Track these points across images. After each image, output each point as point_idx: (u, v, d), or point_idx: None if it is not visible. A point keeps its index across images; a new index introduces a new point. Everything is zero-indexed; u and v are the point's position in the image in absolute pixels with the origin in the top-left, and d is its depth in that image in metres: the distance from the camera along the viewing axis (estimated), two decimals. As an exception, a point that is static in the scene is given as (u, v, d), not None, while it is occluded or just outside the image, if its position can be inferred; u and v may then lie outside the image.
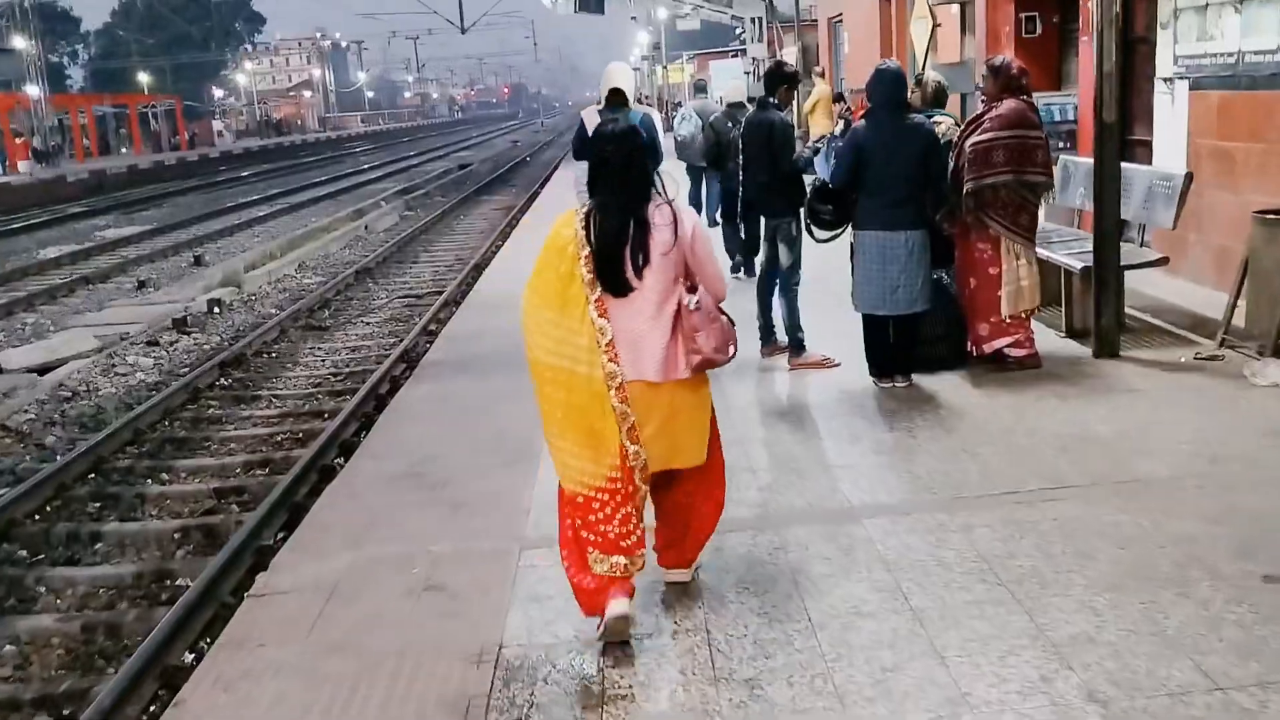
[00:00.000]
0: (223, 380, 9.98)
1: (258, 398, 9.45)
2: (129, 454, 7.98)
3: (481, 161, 43.31)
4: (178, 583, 5.81)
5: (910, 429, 5.90)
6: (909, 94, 6.85)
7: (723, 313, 3.89)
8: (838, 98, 19.23)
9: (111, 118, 60.37)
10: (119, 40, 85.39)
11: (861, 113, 7.49)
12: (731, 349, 3.89)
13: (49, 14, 74.20)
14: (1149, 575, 4.02)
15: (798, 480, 5.27)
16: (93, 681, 4.80)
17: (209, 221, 25.09)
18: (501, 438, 6.28)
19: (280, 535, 6.01)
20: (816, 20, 27.55)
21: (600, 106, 7.85)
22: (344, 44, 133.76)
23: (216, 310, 13.55)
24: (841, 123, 16.91)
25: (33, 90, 47.53)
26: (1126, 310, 7.45)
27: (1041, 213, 6.96)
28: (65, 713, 4.62)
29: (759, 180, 7.37)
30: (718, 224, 11.19)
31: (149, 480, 7.44)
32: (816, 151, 7.57)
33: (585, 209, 3.82)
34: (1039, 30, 12.18)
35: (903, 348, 6.69)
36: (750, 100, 7.95)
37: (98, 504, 7.06)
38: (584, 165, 4.50)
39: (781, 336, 7.44)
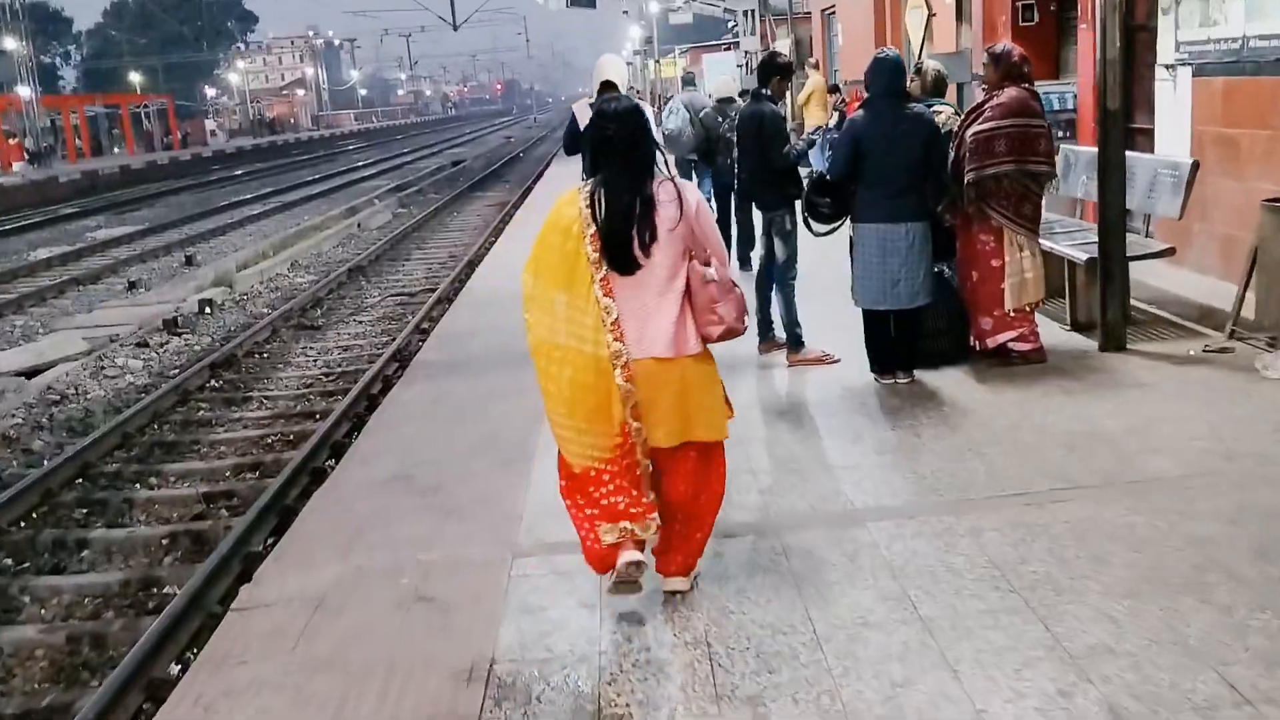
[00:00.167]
0: (213, 382, 9.81)
1: (248, 399, 9.30)
2: (117, 458, 7.83)
3: (475, 158, 43.13)
4: (165, 591, 5.67)
5: (914, 427, 5.74)
6: (908, 83, 6.70)
7: (734, 283, 3.89)
8: (832, 89, 19.06)
9: (104, 118, 60.08)
10: (111, 40, 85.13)
11: (857, 104, 7.34)
12: (746, 319, 3.93)
13: (40, 15, 73.95)
14: (1166, 580, 3.86)
15: (799, 482, 5.11)
16: (76, 695, 4.67)
17: (201, 221, 24.90)
18: (494, 439, 6.13)
19: (270, 541, 5.86)
20: (809, 13, 27.40)
21: (591, 100, 7.72)
22: (337, 42, 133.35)
23: (208, 310, 13.38)
24: (836, 115, 16.80)
25: (24, 91, 47.29)
26: (1131, 302, 7.29)
27: (1044, 203, 6.80)
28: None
29: (752, 173, 7.23)
30: None
31: (137, 485, 7.31)
32: (811, 144, 7.42)
33: (589, 188, 3.77)
34: (1036, 19, 12.02)
35: (904, 343, 6.53)
36: (744, 94, 7.79)
37: (85, 510, 6.92)
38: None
39: (780, 333, 7.29)
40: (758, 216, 7.54)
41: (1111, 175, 6.68)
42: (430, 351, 8.85)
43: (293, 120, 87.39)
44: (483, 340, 8.63)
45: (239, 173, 42.95)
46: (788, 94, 15.42)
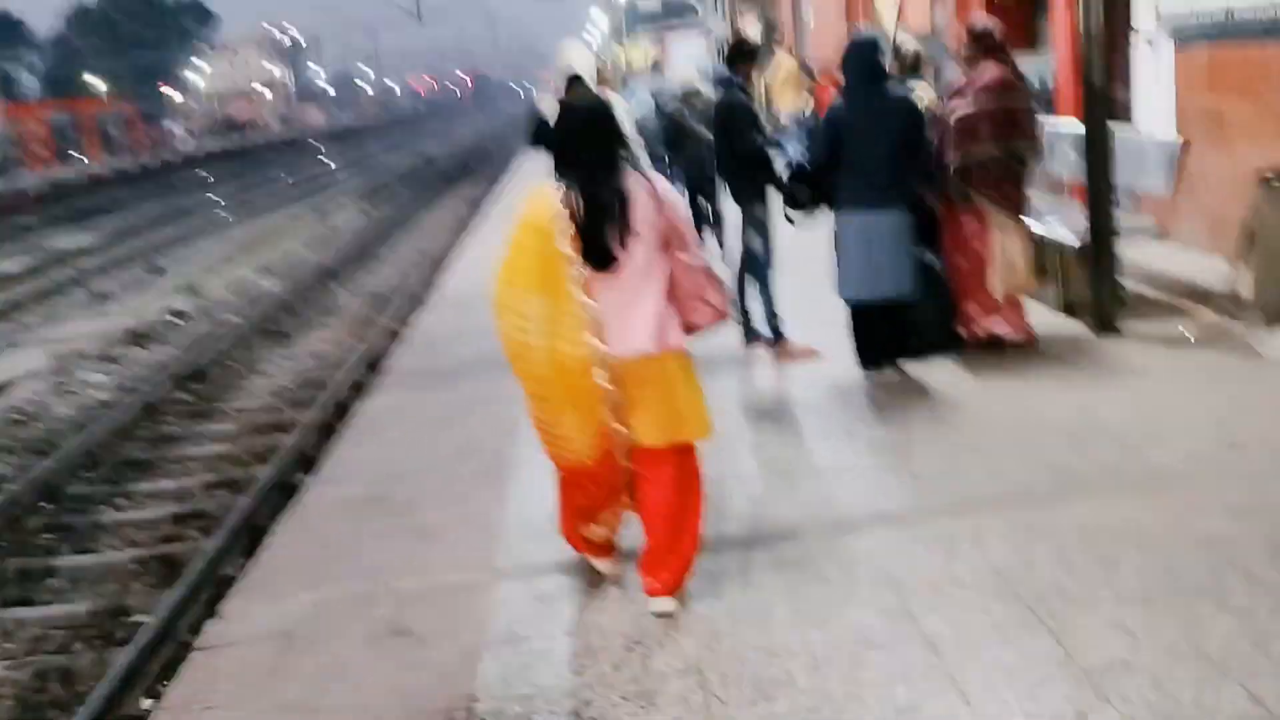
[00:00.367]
0: (181, 394, 9.52)
1: (217, 412, 9.02)
2: (82, 479, 7.58)
3: (447, 157, 42.70)
4: (135, 619, 5.44)
5: (905, 424, 5.53)
6: (886, 63, 6.47)
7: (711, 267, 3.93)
8: (807, 72, 18.74)
9: (68, 125, 59.26)
10: (72, 47, 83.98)
11: (830, 86, 7.12)
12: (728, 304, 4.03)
13: (-1, 24, 72.88)
14: (1180, 584, 3.66)
15: (789, 488, 4.88)
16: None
17: (167, 228, 24.41)
18: (470, 450, 5.89)
19: (242, 563, 5.61)
20: (779, -7, 27.12)
21: (560, 97, 7.38)
22: (303, 43, 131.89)
23: (175, 320, 13.06)
24: (811, 100, 16.54)
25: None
26: (1120, 281, 7.09)
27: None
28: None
29: (723, 163, 7.02)
30: None
31: (104, 507, 7.09)
32: (776, 144, 7.21)
33: (562, 187, 3.68)
34: (1010, -9, 11.78)
35: (891, 335, 6.30)
36: (719, 82, 7.55)
37: (51, 534, 6.71)
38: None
39: (763, 329, 7.05)
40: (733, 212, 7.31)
41: (1098, 154, 6.51)
42: (402, 357, 8.60)
43: (260, 122, 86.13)
44: (457, 345, 8.34)
45: (205, 175, 42.30)
46: (759, 78, 15.19)
